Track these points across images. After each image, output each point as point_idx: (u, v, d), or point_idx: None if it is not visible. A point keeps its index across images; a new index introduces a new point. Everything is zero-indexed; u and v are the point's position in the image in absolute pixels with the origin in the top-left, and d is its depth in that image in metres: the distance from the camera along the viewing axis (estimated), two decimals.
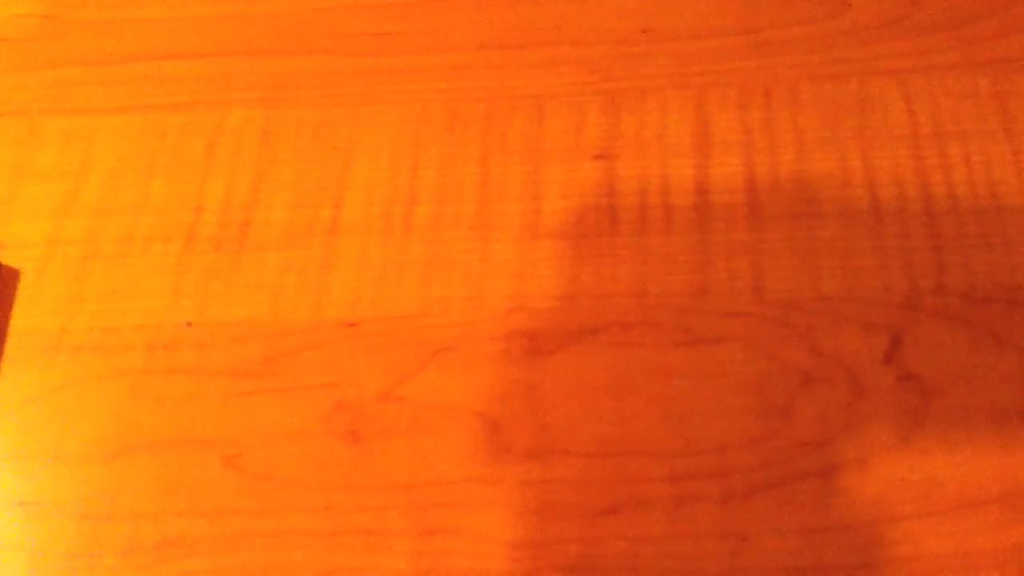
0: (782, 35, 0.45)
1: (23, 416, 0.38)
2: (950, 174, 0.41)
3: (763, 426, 0.36)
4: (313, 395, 0.38)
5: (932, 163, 0.41)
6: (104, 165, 0.44)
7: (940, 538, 0.34)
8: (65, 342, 0.40)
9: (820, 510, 0.35)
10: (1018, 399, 0.36)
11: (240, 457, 0.37)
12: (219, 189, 0.43)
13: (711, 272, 0.40)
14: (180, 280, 0.41)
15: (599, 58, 0.45)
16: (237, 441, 0.37)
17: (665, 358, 0.38)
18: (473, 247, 0.41)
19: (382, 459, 0.37)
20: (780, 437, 0.36)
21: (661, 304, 0.39)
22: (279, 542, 0.35)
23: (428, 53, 0.46)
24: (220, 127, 0.45)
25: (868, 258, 0.40)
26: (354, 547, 0.35)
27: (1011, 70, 0.43)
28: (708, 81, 0.44)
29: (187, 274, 0.41)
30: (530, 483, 0.36)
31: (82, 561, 0.35)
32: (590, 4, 0.46)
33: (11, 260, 0.42)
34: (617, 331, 0.39)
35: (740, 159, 0.42)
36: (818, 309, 0.38)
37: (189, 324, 0.40)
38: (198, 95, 0.46)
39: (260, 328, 0.40)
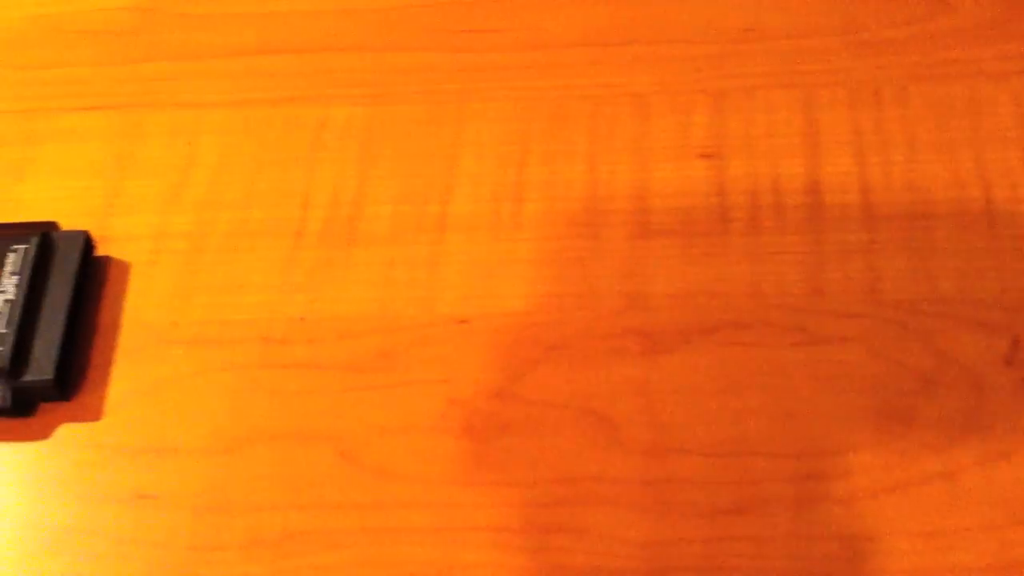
0: (886, 35, 0.45)
1: (139, 409, 0.38)
2: None
3: (885, 428, 0.36)
4: (427, 391, 0.38)
5: None
6: (208, 159, 0.44)
7: None
8: (178, 335, 0.40)
9: (945, 512, 0.35)
10: None
11: (357, 452, 0.37)
12: (325, 185, 0.43)
13: (826, 273, 0.39)
14: (290, 275, 0.41)
15: (703, 56, 0.45)
16: (353, 436, 0.37)
17: (783, 358, 0.38)
18: (583, 245, 0.41)
19: (499, 456, 0.37)
20: (903, 439, 0.36)
21: (776, 304, 0.39)
22: (399, 537, 0.35)
23: (530, 50, 0.46)
24: (323, 123, 0.45)
25: (983, 259, 0.39)
26: (475, 544, 0.35)
27: None
28: (815, 80, 0.44)
29: (297, 269, 0.41)
30: (651, 482, 0.36)
31: (203, 554, 0.35)
32: (693, 2, 0.46)
33: (119, 253, 0.42)
34: (732, 331, 0.38)
35: (851, 159, 0.42)
36: (936, 311, 0.38)
37: (302, 319, 0.40)
38: (300, 91, 0.46)
39: (372, 323, 0.40)
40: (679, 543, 0.35)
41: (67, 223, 0.42)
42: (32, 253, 0.39)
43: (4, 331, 0.38)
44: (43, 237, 0.40)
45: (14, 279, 0.39)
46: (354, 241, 0.42)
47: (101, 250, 0.42)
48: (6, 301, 0.38)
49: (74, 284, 0.39)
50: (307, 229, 0.42)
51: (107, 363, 0.39)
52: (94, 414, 0.38)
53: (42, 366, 0.38)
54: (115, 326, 0.40)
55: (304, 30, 0.47)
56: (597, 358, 0.38)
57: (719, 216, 0.41)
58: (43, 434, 0.38)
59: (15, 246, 0.39)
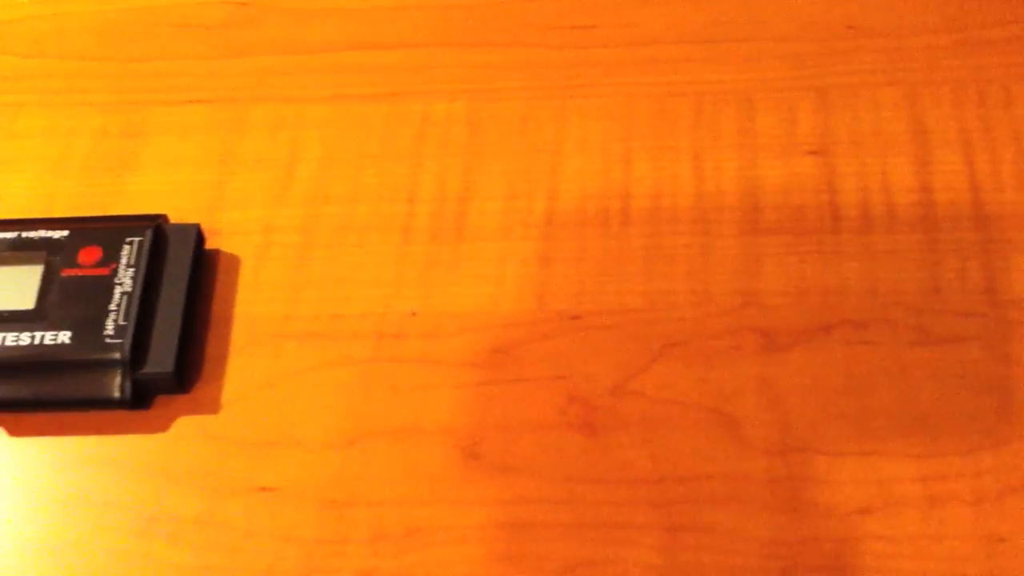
0: (987, 35, 0.44)
1: (256, 402, 0.38)
2: None
3: (1009, 428, 0.36)
4: (545, 387, 0.38)
5: None
6: (313, 154, 0.44)
7: None
8: (291, 329, 0.40)
9: None
10: None
11: (478, 447, 0.37)
12: (430, 180, 0.43)
13: (941, 271, 0.39)
14: (400, 270, 0.41)
15: (805, 53, 0.45)
16: (473, 431, 0.37)
17: (903, 357, 0.37)
18: (694, 241, 0.40)
19: (621, 453, 0.36)
20: None
21: (893, 302, 0.38)
22: (524, 533, 0.35)
23: (631, 46, 0.45)
24: (426, 118, 0.44)
25: None
26: (601, 540, 0.35)
27: None
28: (919, 78, 0.43)
29: (407, 264, 0.41)
30: (776, 480, 0.35)
31: (329, 547, 0.35)
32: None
33: (228, 247, 0.41)
34: (851, 329, 0.38)
35: (959, 157, 0.41)
36: None
37: (414, 314, 0.40)
38: (402, 86, 0.45)
39: (485, 319, 0.39)
40: (808, 542, 0.34)
41: (174, 216, 0.41)
42: (147, 245, 0.39)
43: (123, 323, 0.37)
44: (157, 229, 0.40)
45: (130, 271, 0.38)
46: (462, 236, 0.41)
47: (210, 243, 0.41)
48: (123, 293, 0.38)
49: (189, 277, 0.39)
50: (415, 224, 0.42)
51: (222, 356, 0.39)
52: (212, 407, 0.38)
53: (162, 359, 0.37)
54: (227, 319, 0.40)
55: (404, 25, 0.47)
56: (715, 355, 0.38)
57: (830, 214, 0.41)
58: (162, 427, 0.38)
59: (130, 238, 0.39)
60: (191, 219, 0.41)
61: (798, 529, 0.34)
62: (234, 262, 0.41)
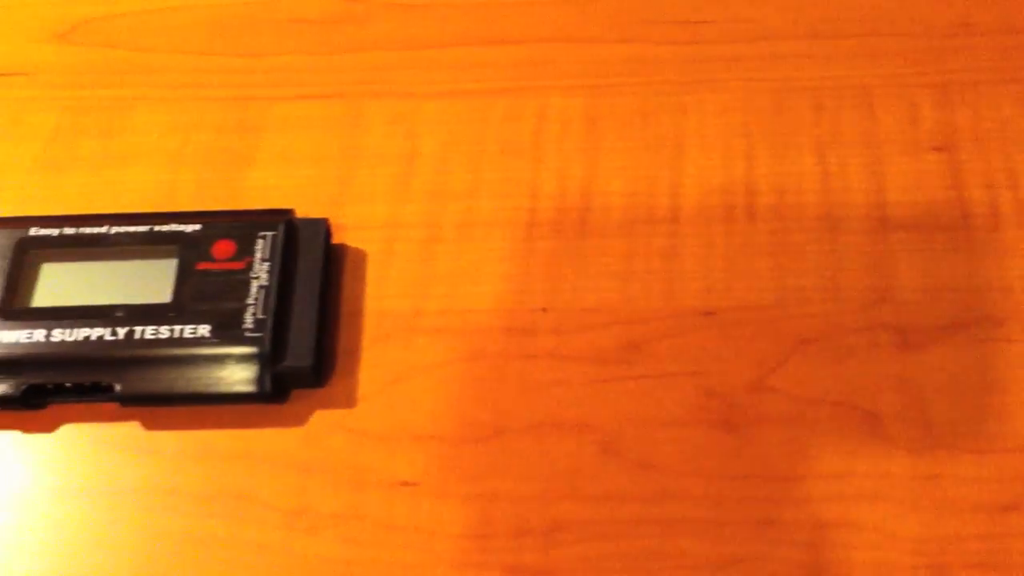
0: None
1: (391, 396, 0.38)
2: None
3: None
4: (680, 383, 0.37)
5: None
6: (431, 149, 0.43)
7: None
8: (421, 323, 0.39)
9: None
10: None
11: (616, 443, 0.36)
12: (551, 175, 0.42)
13: None
14: (526, 265, 0.40)
15: (923, 50, 0.44)
16: (610, 427, 0.37)
17: None
18: (822, 238, 0.40)
19: (762, 449, 0.36)
20: None
21: None
22: (669, 530, 0.35)
23: (747, 42, 0.45)
24: (543, 114, 0.44)
25: None
26: (747, 537, 0.34)
27: None
28: None
29: (532, 259, 0.40)
30: (922, 478, 0.35)
31: (473, 542, 0.35)
32: None
33: (354, 241, 0.41)
34: (989, 326, 0.38)
35: None
36: None
37: (544, 309, 0.39)
38: (517, 81, 0.45)
39: (615, 315, 0.39)
40: (956, 539, 0.34)
41: (297, 211, 0.41)
42: (280, 239, 0.39)
43: (262, 317, 0.37)
44: (289, 224, 0.39)
45: (265, 265, 0.38)
46: (587, 232, 0.41)
47: (334, 238, 0.41)
48: (260, 287, 0.38)
49: (322, 270, 0.39)
50: (539, 219, 0.41)
51: (354, 350, 0.39)
52: (347, 401, 0.38)
53: (300, 352, 0.37)
54: (357, 314, 0.40)
55: (517, 21, 0.47)
56: (851, 352, 0.37)
57: (959, 211, 0.40)
58: (299, 421, 0.37)
59: (262, 232, 0.39)
60: (312, 214, 0.41)
61: (945, 526, 0.34)
62: (360, 257, 0.41)
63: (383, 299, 0.40)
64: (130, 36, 0.47)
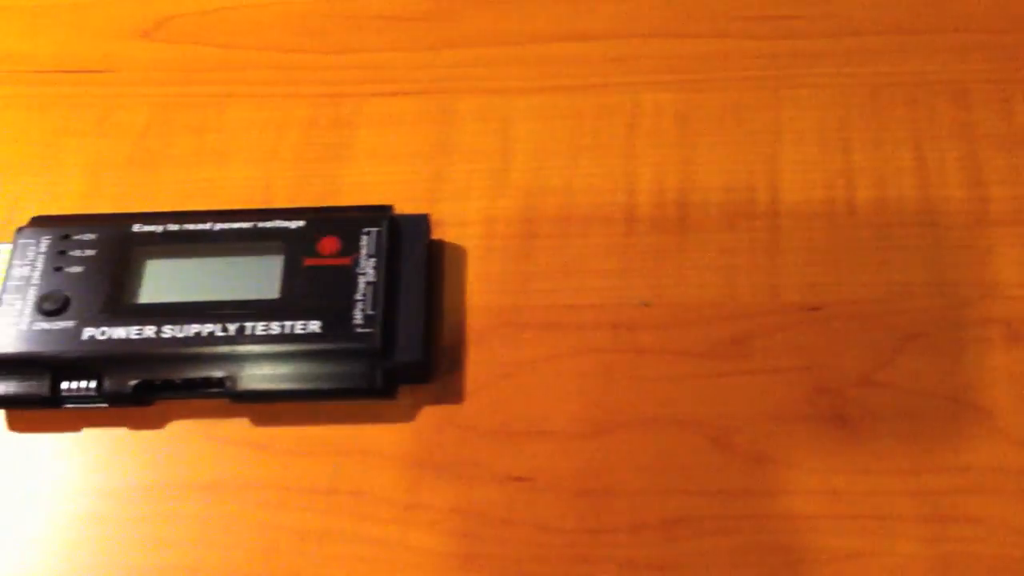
0: None
1: (498, 392, 0.38)
2: None
3: None
4: (790, 378, 0.37)
5: None
6: (525, 145, 0.43)
7: None
8: (525, 319, 0.39)
9: None
10: None
11: (728, 438, 0.36)
12: (647, 171, 0.42)
13: None
14: (627, 260, 0.40)
15: (1015, 45, 0.44)
16: (721, 422, 0.37)
17: None
18: (924, 232, 0.40)
19: (876, 444, 0.36)
20: None
21: None
22: (785, 524, 0.35)
23: (835, 37, 0.45)
24: (636, 109, 0.44)
25: None
26: (866, 531, 0.34)
27: None
28: None
29: (633, 254, 0.40)
30: None
31: (590, 536, 0.35)
32: None
33: (451, 237, 0.41)
34: None
35: None
36: None
37: (647, 304, 0.39)
38: (608, 77, 0.45)
39: (719, 310, 0.39)
40: None
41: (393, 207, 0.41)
42: (385, 235, 0.39)
43: (372, 312, 0.37)
44: (392, 220, 0.39)
45: (372, 261, 0.38)
46: (687, 227, 0.41)
47: (432, 234, 0.41)
48: (367, 283, 0.38)
49: (426, 266, 0.39)
50: (637, 215, 0.41)
51: (458, 346, 0.39)
52: (455, 397, 0.38)
53: (410, 347, 0.37)
54: (459, 309, 0.40)
55: (605, 17, 0.46)
56: (960, 347, 0.37)
57: None
58: (409, 416, 0.37)
59: (367, 228, 0.39)
60: (407, 210, 0.41)
61: None
62: (459, 252, 0.41)
63: (484, 295, 0.40)
64: (215, 33, 0.47)
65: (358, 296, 0.37)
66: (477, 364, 0.38)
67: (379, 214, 0.39)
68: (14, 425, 0.38)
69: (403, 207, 0.41)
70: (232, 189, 0.43)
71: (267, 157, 0.44)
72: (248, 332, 0.37)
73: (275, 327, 0.37)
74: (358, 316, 0.37)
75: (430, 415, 0.37)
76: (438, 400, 0.38)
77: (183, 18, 0.48)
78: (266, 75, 0.46)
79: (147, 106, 0.45)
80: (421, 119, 0.44)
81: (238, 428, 0.37)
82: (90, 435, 0.37)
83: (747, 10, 0.46)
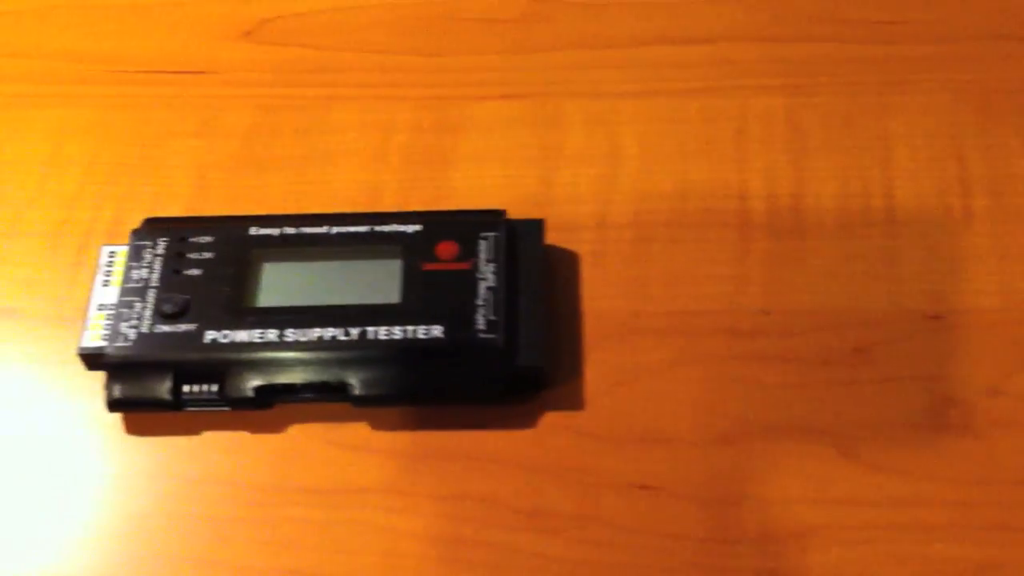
0: None
1: (618, 398, 0.37)
2: None
3: None
4: (914, 387, 0.37)
5: None
6: (632, 150, 0.43)
7: None
8: (641, 325, 0.39)
9: None
10: None
11: (854, 447, 0.36)
12: (758, 176, 0.42)
13: None
14: (743, 267, 0.40)
15: None
16: (848, 431, 0.36)
17: None
18: None
19: (1005, 455, 0.35)
20: None
21: None
22: (916, 535, 0.34)
23: (940, 42, 0.45)
24: (743, 113, 0.44)
25: None
26: (999, 543, 0.34)
27: None
28: None
29: (748, 261, 0.40)
30: None
31: (718, 546, 0.34)
32: None
33: (562, 242, 0.41)
34: None
35: None
36: None
37: (765, 312, 0.39)
38: (713, 81, 0.45)
39: (839, 317, 0.38)
40: None
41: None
42: (503, 240, 0.38)
43: (494, 318, 0.37)
44: (509, 225, 0.39)
45: (491, 266, 0.38)
46: (802, 233, 0.40)
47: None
48: (488, 288, 0.37)
49: (542, 271, 0.39)
50: (750, 221, 0.41)
51: (575, 352, 0.38)
52: (574, 403, 0.37)
53: (532, 353, 0.37)
54: (574, 315, 0.39)
55: (706, 20, 0.46)
56: None
57: None
58: (529, 422, 0.37)
59: (484, 233, 0.39)
60: (517, 214, 0.41)
61: None
62: (571, 258, 0.41)
63: (599, 300, 0.40)
64: (315, 35, 0.47)
65: (479, 301, 0.37)
66: (594, 370, 0.38)
67: (494, 218, 0.39)
68: (132, 428, 0.37)
69: (512, 211, 0.41)
70: (340, 192, 0.43)
71: (373, 160, 0.43)
72: (371, 336, 0.36)
73: (397, 331, 0.37)
74: (480, 321, 0.37)
75: (550, 421, 0.37)
76: (556, 406, 0.37)
77: (281, 20, 0.48)
78: (368, 77, 0.46)
79: (250, 108, 0.45)
80: (525, 122, 0.44)
81: (358, 433, 0.37)
82: (210, 438, 0.37)
83: (847, 14, 0.45)
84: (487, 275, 0.38)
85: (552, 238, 0.41)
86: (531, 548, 0.35)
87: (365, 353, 0.36)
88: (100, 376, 0.38)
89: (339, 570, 0.35)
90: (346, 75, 0.46)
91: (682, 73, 0.45)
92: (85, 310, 0.38)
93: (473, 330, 0.36)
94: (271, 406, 0.37)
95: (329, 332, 0.37)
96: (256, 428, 0.37)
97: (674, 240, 0.41)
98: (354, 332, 0.37)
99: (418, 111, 0.44)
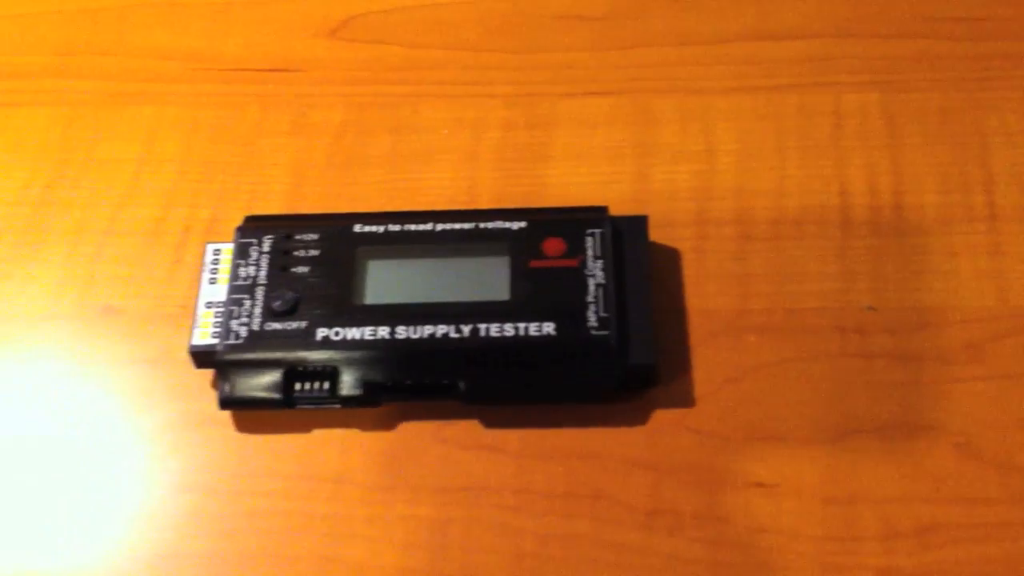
0: None
1: (728, 396, 0.37)
2: None
3: None
4: None
5: None
6: (728, 146, 0.43)
7: None
8: (747, 323, 0.38)
9: None
10: None
11: (973, 445, 0.35)
12: (857, 172, 0.41)
13: None
14: (846, 263, 0.39)
15: None
16: (964, 428, 0.36)
17: None
18: None
19: None
20: None
21: None
22: None
23: None
24: (837, 110, 0.43)
25: None
26: None
27: None
28: None
29: (851, 257, 0.39)
30: None
31: (841, 544, 0.34)
32: None
33: (662, 239, 0.40)
34: None
35: None
36: None
37: (871, 309, 0.38)
38: (807, 77, 0.44)
39: (948, 314, 0.38)
40: None
41: None
42: (609, 237, 0.38)
43: (605, 315, 0.36)
44: (614, 221, 0.39)
45: (599, 263, 0.37)
46: (904, 230, 0.40)
47: None
48: (597, 285, 0.37)
49: (648, 268, 0.38)
50: (852, 217, 0.40)
51: (682, 349, 0.38)
52: (685, 400, 0.37)
53: (643, 350, 0.36)
54: (679, 312, 0.39)
55: (795, 16, 0.46)
56: None
57: None
58: (639, 419, 0.37)
59: (590, 230, 0.38)
60: (615, 211, 0.40)
61: None
62: (672, 254, 0.40)
63: (703, 297, 0.39)
64: (401, 32, 0.47)
65: (589, 298, 0.37)
66: (703, 367, 0.38)
67: (598, 215, 0.39)
68: (242, 426, 0.37)
69: (609, 208, 0.40)
70: (434, 189, 0.42)
71: (466, 158, 0.43)
72: (482, 334, 0.36)
73: (509, 329, 0.36)
74: (592, 318, 0.36)
75: (662, 419, 0.37)
76: (667, 404, 0.37)
77: (366, 17, 0.47)
78: (456, 75, 0.45)
79: (341, 105, 0.44)
80: (618, 119, 0.43)
81: (469, 431, 0.37)
82: (320, 436, 0.37)
83: (937, 11, 0.45)
84: (595, 272, 0.37)
85: (651, 235, 0.40)
86: (650, 547, 0.34)
87: (477, 351, 0.36)
88: (206, 374, 0.37)
89: (460, 569, 0.34)
90: (434, 72, 0.45)
91: (774, 69, 0.44)
92: (193, 308, 0.37)
93: (585, 328, 0.36)
94: (381, 404, 0.37)
95: (441, 329, 0.36)
96: (366, 426, 0.37)
97: (776, 237, 0.40)
98: (465, 329, 0.36)
99: (509, 108, 0.44)
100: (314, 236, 0.38)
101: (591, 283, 0.37)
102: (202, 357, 0.37)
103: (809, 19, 0.45)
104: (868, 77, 0.44)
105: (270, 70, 0.46)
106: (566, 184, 0.42)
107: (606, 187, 0.42)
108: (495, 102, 0.44)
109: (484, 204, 0.41)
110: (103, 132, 0.44)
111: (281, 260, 0.38)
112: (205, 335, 0.37)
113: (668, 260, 0.40)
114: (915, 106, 0.43)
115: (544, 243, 0.38)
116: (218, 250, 0.38)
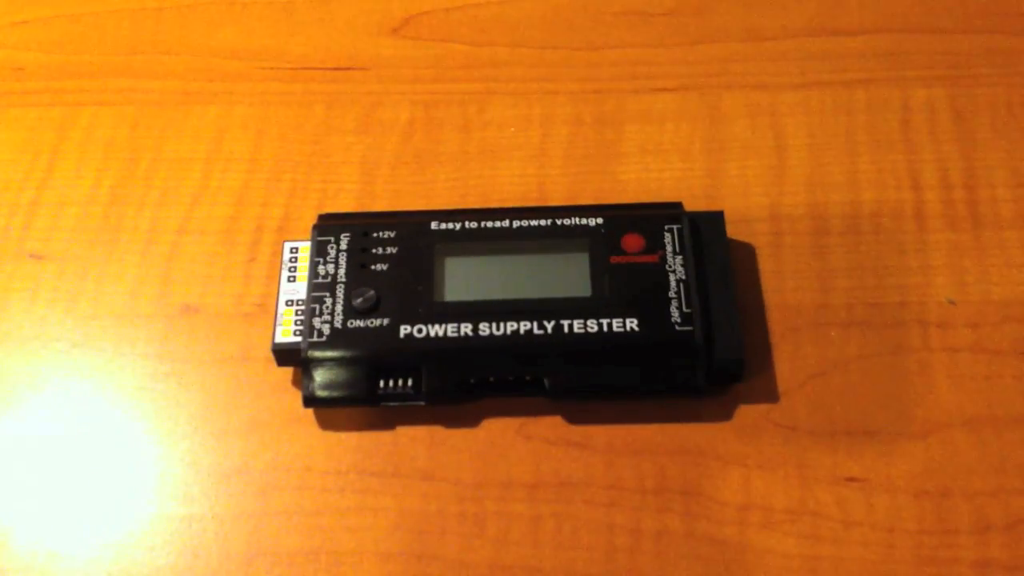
0: None
1: (813, 390, 0.36)
2: None
3: None
4: None
5: None
6: (799, 141, 0.42)
7: None
8: (829, 317, 0.38)
9: None
10: None
11: None
12: (930, 167, 0.41)
13: None
14: (924, 258, 0.39)
15: None
16: None
17: None
18: None
19: None
20: None
21: None
22: None
23: None
24: (906, 105, 0.42)
25: None
26: None
27: None
28: None
29: (929, 252, 0.39)
30: None
31: (936, 538, 0.33)
32: None
33: (737, 235, 0.40)
34: None
35: None
36: None
37: (952, 303, 0.37)
38: (873, 72, 0.43)
39: None
40: None
41: None
42: (687, 232, 0.37)
43: (688, 311, 0.36)
44: (692, 217, 0.38)
45: (679, 259, 0.37)
46: (981, 224, 0.39)
47: None
48: (678, 280, 0.36)
49: (729, 263, 0.37)
50: (927, 211, 0.40)
51: (764, 345, 0.37)
52: (770, 395, 0.36)
53: (730, 346, 0.36)
54: (758, 307, 0.38)
55: (857, 11, 0.45)
56: None
57: None
58: (725, 415, 0.36)
59: (668, 226, 0.37)
60: (688, 207, 0.39)
61: None
62: (747, 250, 0.39)
63: (782, 292, 0.38)
64: (463, 30, 0.46)
65: (671, 294, 0.36)
66: (787, 363, 0.37)
67: (673, 211, 0.38)
68: (325, 423, 0.36)
69: (683, 204, 0.39)
70: (505, 186, 0.41)
71: (536, 154, 0.42)
72: (565, 330, 0.35)
73: (592, 324, 0.35)
74: (675, 314, 0.35)
75: (748, 414, 0.36)
76: (752, 399, 0.36)
77: (429, 15, 0.46)
78: (522, 72, 0.44)
79: (407, 104, 0.44)
80: (687, 115, 0.43)
81: (555, 426, 0.36)
82: (404, 433, 0.36)
83: (1003, 7, 0.44)
84: (676, 268, 0.36)
85: (726, 230, 0.39)
86: (744, 542, 0.34)
87: (561, 347, 0.35)
88: (286, 372, 0.37)
89: (554, 565, 0.34)
90: (499, 70, 0.45)
91: (840, 64, 0.43)
92: (271, 306, 0.37)
93: (669, 323, 0.35)
94: (465, 400, 0.36)
95: (524, 326, 0.35)
96: (451, 422, 0.36)
97: (851, 231, 0.39)
98: (549, 326, 0.35)
99: (576, 105, 0.43)
100: (391, 234, 0.37)
101: (672, 279, 0.36)
102: (285, 355, 0.36)
103: (873, 14, 0.45)
104: (933, 72, 0.43)
105: (335, 68, 0.45)
106: (637, 180, 0.41)
107: (678, 183, 0.41)
108: (562, 99, 0.43)
109: (555, 201, 0.41)
110: (170, 132, 0.43)
111: (359, 257, 0.37)
112: (287, 333, 0.36)
113: (744, 255, 0.39)
114: (982, 100, 0.42)
115: (623, 239, 0.37)
116: (295, 248, 0.38)
